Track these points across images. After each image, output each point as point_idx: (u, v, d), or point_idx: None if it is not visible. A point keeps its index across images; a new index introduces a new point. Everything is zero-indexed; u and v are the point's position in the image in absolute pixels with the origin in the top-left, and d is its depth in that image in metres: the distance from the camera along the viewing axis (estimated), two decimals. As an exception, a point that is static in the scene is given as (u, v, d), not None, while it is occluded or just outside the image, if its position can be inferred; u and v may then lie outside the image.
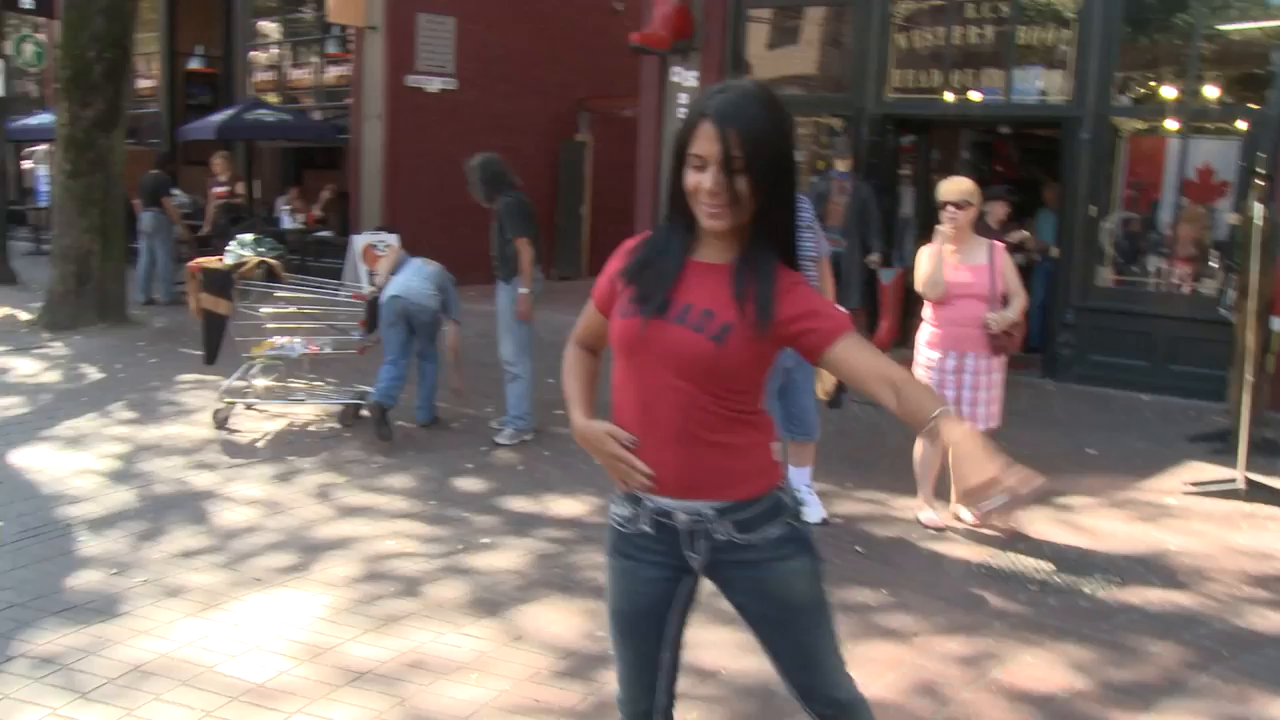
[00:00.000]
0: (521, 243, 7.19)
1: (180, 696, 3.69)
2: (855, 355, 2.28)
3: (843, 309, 2.54)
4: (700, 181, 2.23)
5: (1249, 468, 6.76)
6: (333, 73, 16.30)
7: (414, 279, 7.54)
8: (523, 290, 7.20)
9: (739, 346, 2.27)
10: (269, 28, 17.43)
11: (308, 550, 5.19)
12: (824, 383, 5.94)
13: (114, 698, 3.67)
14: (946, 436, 2.20)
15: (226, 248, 8.03)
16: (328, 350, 7.86)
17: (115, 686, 3.75)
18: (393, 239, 13.92)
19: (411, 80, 14.72)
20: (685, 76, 12.14)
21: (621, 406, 2.41)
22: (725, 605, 4.48)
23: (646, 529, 2.43)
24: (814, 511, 5.84)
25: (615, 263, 2.48)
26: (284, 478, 6.41)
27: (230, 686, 3.78)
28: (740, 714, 3.73)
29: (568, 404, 2.55)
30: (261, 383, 7.92)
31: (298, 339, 7.78)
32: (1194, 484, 6.91)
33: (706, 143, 2.20)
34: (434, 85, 14.91)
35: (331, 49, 16.22)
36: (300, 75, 16.99)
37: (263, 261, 7.85)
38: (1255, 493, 6.67)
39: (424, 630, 4.32)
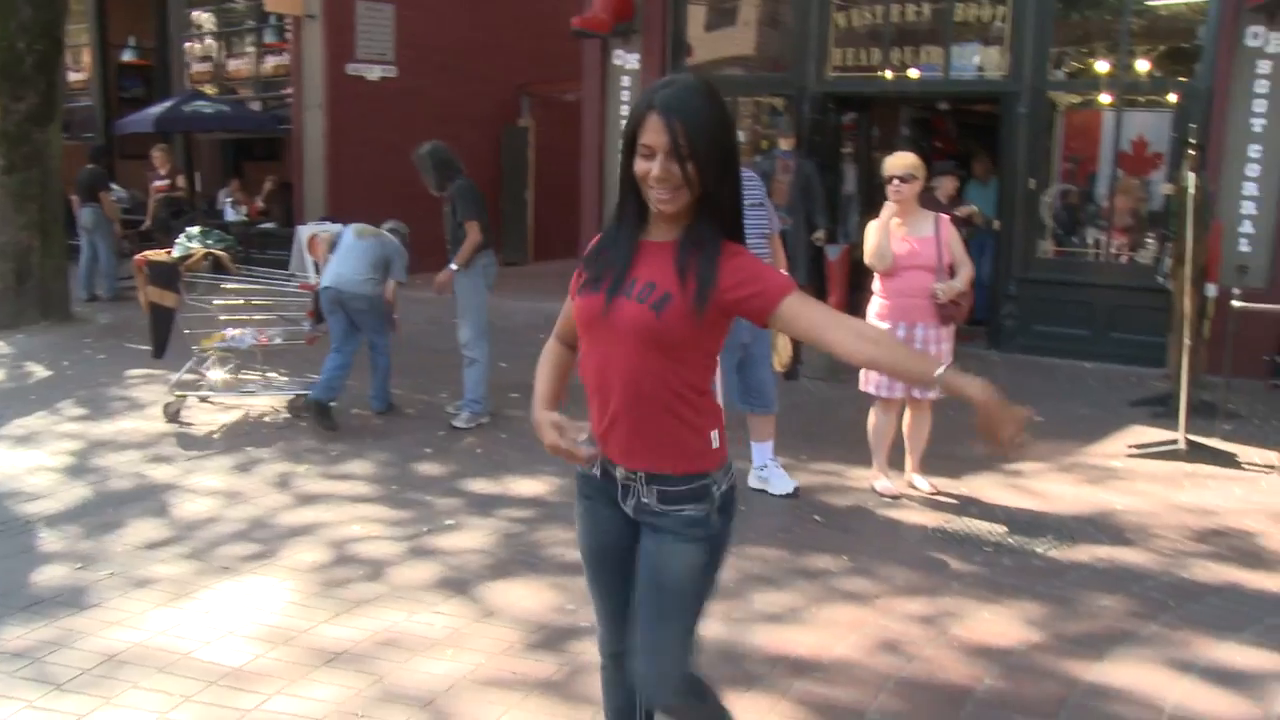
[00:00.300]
0: (472, 226, 7.24)
1: (158, 683, 3.71)
2: (806, 310, 2.39)
3: None
4: (650, 169, 2.38)
5: (1189, 429, 6.97)
6: (271, 62, 16.10)
7: (346, 264, 7.43)
8: (453, 267, 7.27)
9: (677, 317, 2.40)
10: (204, 18, 17.17)
11: (273, 538, 5.20)
12: (780, 356, 6.05)
13: (90, 687, 3.68)
14: (963, 389, 2.32)
15: (176, 241, 7.97)
16: (278, 341, 7.83)
17: (90, 677, 3.76)
18: (338, 228, 13.87)
19: (352, 69, 14.62)
20: (627, 59, 12.20)
21: (585, 377, 2.59)
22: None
23: (595, 472, 2.64)
24: (782, 484, 5.95)
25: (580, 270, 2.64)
26: (243, 468, 6.40)
27: (207, 671, 3.80)
28: (718, 673, 3.81)
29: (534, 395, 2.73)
30: (215, 375, 7.89)
31: (247, 331, 7.75)
32: (1137, 447, 7.11)
33: (654, 133, 2.36)
34: (374, 73, 14.83)
35: (269, 38, 16.03)
36: (238, 66, 16.75)
37: (209, 253, 7.80)
38: (1195, 453, 6.89)
39: (395, 610, 4.37)
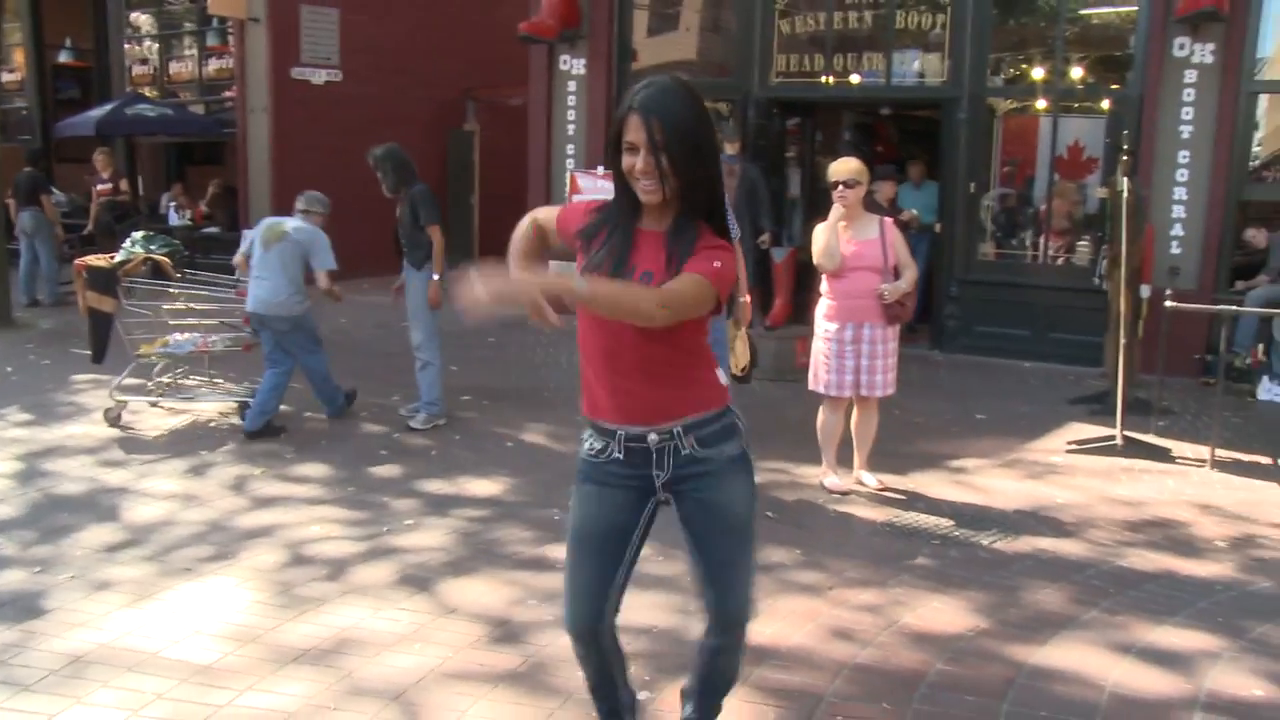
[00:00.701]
0: (435, 230, 7.30)
1: (128, 682, 3.73)
2: (682, 282, 2.61)
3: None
4: (634, 163, 2.62)
5: (1125, 426, 7.21)
6: (213, 65, 16.00)
7: (261, 283, 7.20)
8: (435, 277, 7.30)
9: None
10: (143, 19, 17.01)
11: (232, 539, 5.23)
12: (737, 359, 6.16)
13: (59, 687, 3.70)
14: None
15: (122, 245, 7.92)
16: (218, 348, 7.79)
17: (58, 677, 3.78)
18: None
19: (297, 73, 14.59)
20: (573, 65, 12.30)
21: (589, 354, 2.79)
22: (653, 570, 4.70)
23: (618, 456, 2.81)
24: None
25: (574, 211, 2.87)
26: (197, 471, 6.40)
27: (177, 669, 3.83)
28: (676, 665, 3.93)
29: (510, 258, 2.94)
30: (163, 380, 7.86)
31: (189, 336, 7.70)
32: (1076, 443, 7.33)
33: (634, 130, 2.60)
34: (319, 77, 14.81)
35: (212, 41, 15.93)
36: (179, 69, 16.61)
37: (148, 258, 7.77)
38: (1131, 448, 7.13)
39: (359, 608, 4.43)
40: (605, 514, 2.87)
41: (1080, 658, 4.09)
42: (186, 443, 7.01)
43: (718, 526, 2.84)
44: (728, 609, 2.93)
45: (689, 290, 2.58)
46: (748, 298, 6.45)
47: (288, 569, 4.87)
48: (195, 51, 16.33)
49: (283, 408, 7.51)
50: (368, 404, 8.03)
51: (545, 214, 2.98)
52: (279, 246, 7.19)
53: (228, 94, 15.46)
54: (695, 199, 2.67)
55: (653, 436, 2.76)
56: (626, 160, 2.64)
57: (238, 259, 7.56)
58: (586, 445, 2.89)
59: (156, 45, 16.88)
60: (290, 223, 7.38)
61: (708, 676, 3.10)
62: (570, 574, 2.95)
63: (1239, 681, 3.93)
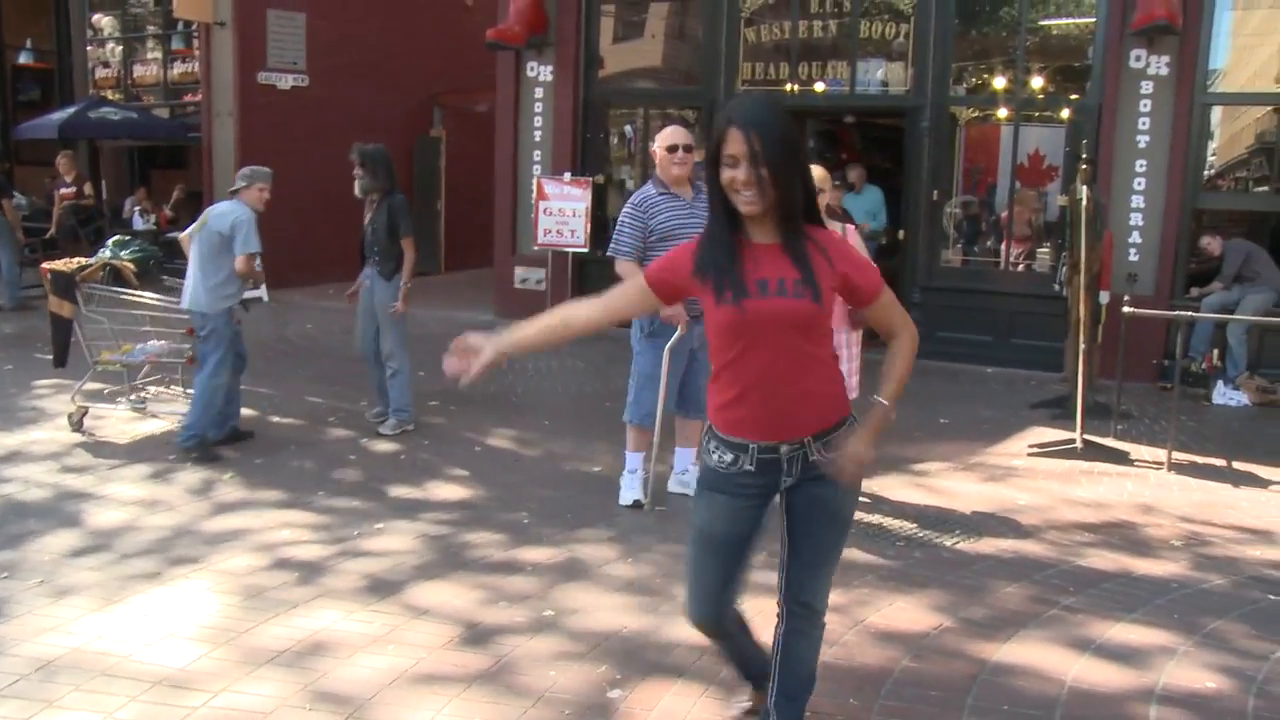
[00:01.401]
0: (410, 243, 7.32)
1: (101, 686, 3.74)
2: (884, 313, 2.99)
3: None
4: (735, 176, 2.76)
5: (1085, 430, 7.35)
6: (179, 69, 15.92)
7: (188, 277, 6.91)
8: (407, 285, 7.33)
9: (828, 300, 2.84)
10: (106, 21, 16.88)
11: (201, 543, 5.23)
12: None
13: (31, 693, 3.70)
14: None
15: (98, 250, 7.86)
16: (166, 359, 7.62)
17: (29, 683, 3.78)
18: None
19: (263, 77, 14.52)
20: (540, 71, 12.35)
21: (738, 376, 2.89)
22: (616, 571, 4.77)
23: (749, 468, 2.94)
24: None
25: (677, 258, 2.98)
26: (162, 476, 6.37)
27: (149, 673, 3.84)
28: (647, 664, 3.99)
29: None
30: (127, 384, 7.81)
31: (147, 344, 7.63)
32: (1037, 446, 7.46)
33: (735, 144, 2.74)
34: (286, 82, 14.75)
35: (177, 44, 15.85)
36: (143, 72, 16.50)
37: (107, 264, 7.72)
38: (1091, 451, 7.26)
39: (332, 610, 4.45)
40: (733, 523, 3.01)
41: (1041, 654, 4.18)
42: (152, 448, 6.98)
43: (826, 519, 3.01)
44: (819, 596, 3.13)
45: (895, 303, 2.98)
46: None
47: (258, 573, 4.88)
48: (160, 54, 16.23)
49: (249, 412, 7.50)
50: (336, 409, 8.04)
51: (617, 292, 3.08)
52: (198, 236, 6.90)
53: (192, 98, 15.38)
54: (794, 204, 2.80)
55: (784, 448, 2.91)
56: (726, 174, 2.76)
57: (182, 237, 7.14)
58: (715, 457, 2.99)
59: (120, 48, 16.77)
60: (215, 209, 6.98)
61: (792, 670, 3.22)
62: (694, 573, 3.13)
63: (1193, 675, 4.04)
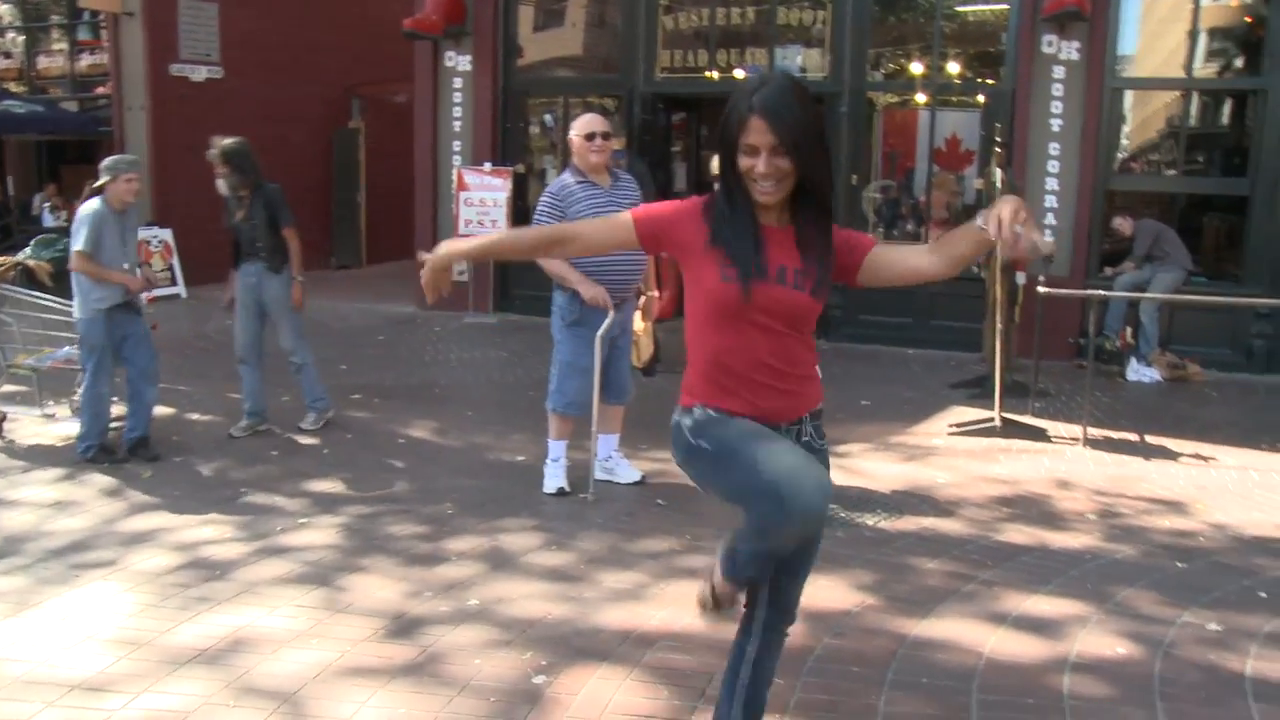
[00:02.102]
0: (293, 231, 7.08)
1: (15, 693, 3.63)
2: (888, 249, 2.82)
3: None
4: (754, 165, 2.60)
5: (1003, 408, 7.48)
6: (86, 61, 15.53)
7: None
8: (300, 278, 7.14)
9: (824, 295, 2.74)
10: (4, 10, 16.39)
11: (119, 545, 5.12)
12: (640, 352, 6.22)
13: (-60, 699, 3.61)
14: (997, 212, 2.50)
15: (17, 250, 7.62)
16: (75, 366, 7.15)
17: (-62, 690, 3.69)
18: (166, 234, 13.51)
19: (176, 69, 14.20)
20: (459, 61, 12.26)
21: (732, 362, 2.73)
22: (541, 559, 4.78)
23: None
24: (628, 473, 6.14)
25: (684, 216, 2.78)
26: (74, 478, 6.21)
27: (66, 679, 3.73)
28: (571, 650, 4.00)
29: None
30: (38, 389, 7.59)
31: (61, 350, 7.40)
32: (957, 425, 7.58)
33: (758, 134, 2.58)
34: (199, 74, 14.45)
35: (84, 35, 15.45)
36: (49, 63, 16.07)
37: (18, 264, 7.51)
38: (1009, 429, 7.40)
39: (254, 607, 4.39)
40: (747, 420, 2.74)
41: (959, 628, 4.26)
42: (68, 452, 6.79)
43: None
44: (791, 597, 3.01)
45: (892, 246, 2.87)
46: (656, 292, 6.55)
47: (178, 572, 4.80)
48: (66, 45, 15.80)
49: (163, 410, 7.34)
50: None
51: (618, 222, 2.86)
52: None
53: (103, 90, 15.02)
54: (814, 194, 2.68)
55: (782, 427, 2.77)
56: (745, 162, 2.62)
57: None
58: (700, 411, 2.77)
59: (22, 38, 16.29)
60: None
61: (754, 687, 3.04)
62: (769, 467, 2.59)
63: (1104, 642, 4.15)
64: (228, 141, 7.00)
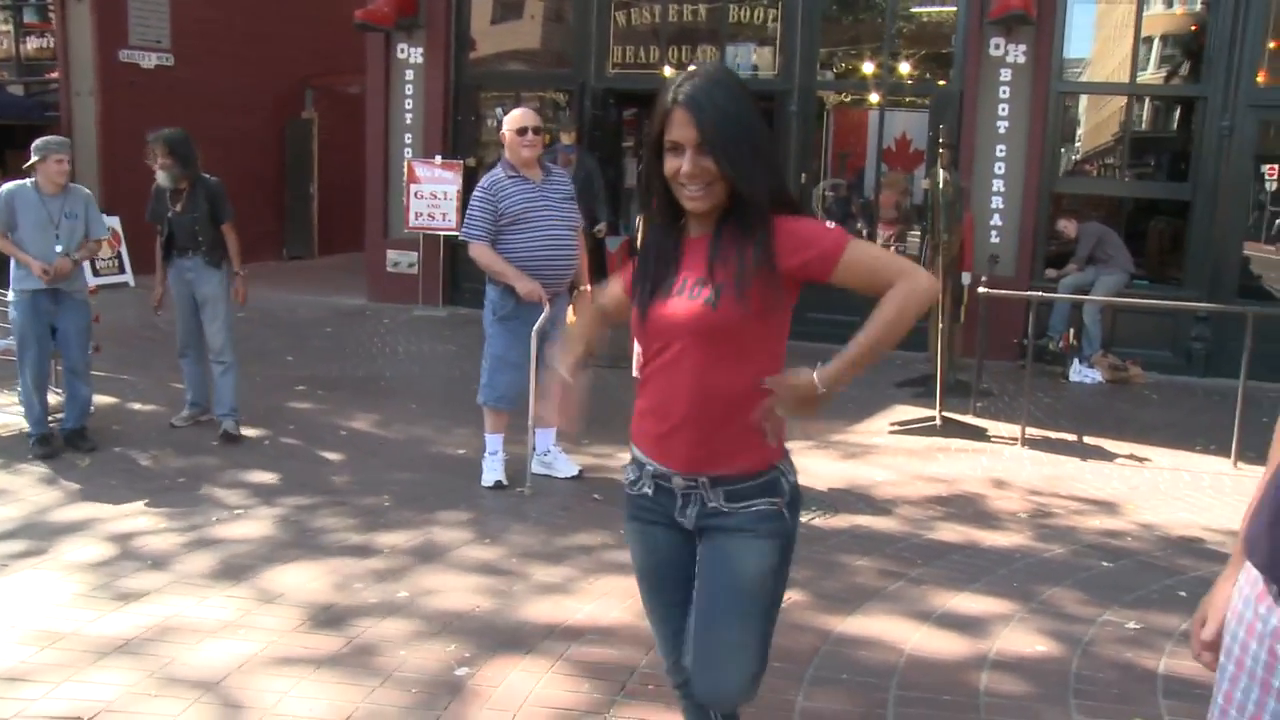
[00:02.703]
0: (231, 227, 6.90)
1: (-77, 683, 3.61)
2: (862, 258, 2.33)
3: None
4: (679, 166, 2.29)
5: (945, 407, 7.56)
6: (33, 44, 15.27)
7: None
8: (241, 272, 6.97)
9: (734, 304, 2.29)
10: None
11: (50, 535, 5.05)
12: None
13: None
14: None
15: None
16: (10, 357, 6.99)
17: None
18: (114, 222, 13.32)
19: (125, 55, 14.02)
20: (411, 53, 12.20)
21: (647, 394, 2.48)
22: (472, 552, 4.77)
23: (647, 491, 2.52)
24: (567, 467, 6.15)
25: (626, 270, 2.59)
26: (9, 467, 6.13)
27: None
28: (496, 643, 4.00)
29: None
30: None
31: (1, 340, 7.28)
32: (899, 424, 7.64)
33: (680, 129, 2.28)
34: (149, 61, 14.27)
35: (30, 18, 15.21)
36: (-7, 47, 15.81)
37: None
38: (949, 428, 7.47)
39: (182, 598, 4.35)
40: (654, 551, 2.57)
41: (884, 625, 4.30)
42: (8, 441, 6.68)
43: (728, 581, 2.42)
44: (707, 681, 2.48)
45: (883, 254, 2.43)
46: (589, 286, 6.54)
47: (108, 563, 4.75)
48: (11, 28, 15.53)
49: (105, 399, 7.27)
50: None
51: (607, 296, 2.73)
52: None
53: (51, 75, 14.80)
54: (749, 199, 2.29)
55: (679, 480, 2.44)
56: (670, 163, 2.30)
57: None
58: (626, 474, 2.61)
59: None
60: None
61: None
62: (650, 620, 2.67)
63: (1025, 639, 4.20)
64: (169, 131, 6.84)
